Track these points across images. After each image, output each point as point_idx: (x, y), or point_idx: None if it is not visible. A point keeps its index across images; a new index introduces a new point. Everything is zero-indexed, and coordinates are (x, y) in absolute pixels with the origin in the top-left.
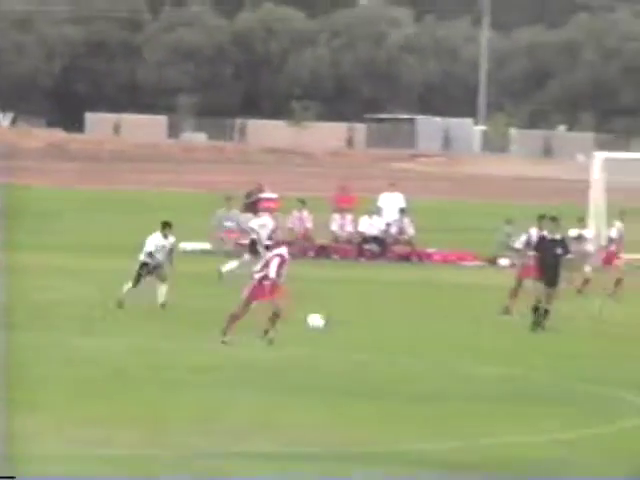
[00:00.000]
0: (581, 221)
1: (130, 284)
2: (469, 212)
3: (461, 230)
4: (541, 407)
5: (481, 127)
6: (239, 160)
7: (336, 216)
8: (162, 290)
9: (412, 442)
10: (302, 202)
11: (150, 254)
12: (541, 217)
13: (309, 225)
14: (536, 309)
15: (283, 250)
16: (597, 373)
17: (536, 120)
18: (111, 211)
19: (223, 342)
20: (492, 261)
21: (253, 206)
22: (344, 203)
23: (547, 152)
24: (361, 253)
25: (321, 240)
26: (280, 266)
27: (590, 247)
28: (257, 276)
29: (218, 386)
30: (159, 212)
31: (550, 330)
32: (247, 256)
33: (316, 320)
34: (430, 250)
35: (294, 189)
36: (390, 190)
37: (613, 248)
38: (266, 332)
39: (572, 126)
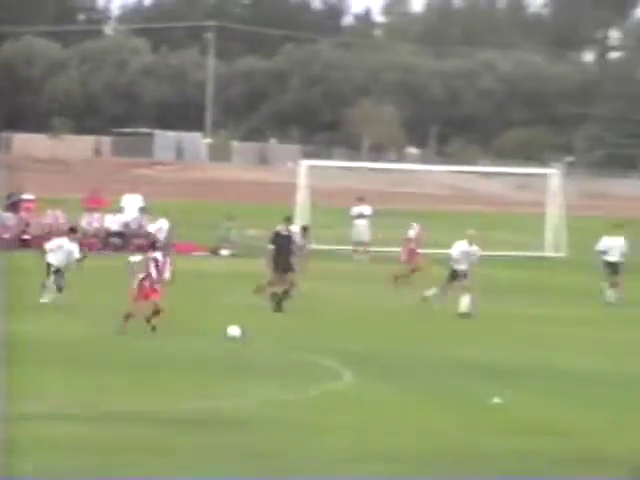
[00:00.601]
0: (230, 219)
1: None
2: (198, 210)
3: (191, 225)
4: (264, 374)
5: (208, 140)
6: (5, 168)
7: (86, 214)
8: (49, 290)
9: (146, 404)
10: (57, 202)
11: (60, 258)
12: (287, 218)
13: (62, 221)
14: (274, 294)
15: (158, 255)
16: (311, 343)
17: (253, 134)
18: None
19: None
20: (215, 251)
21: (14, 206)
22: (95, 204)
23: (262, 161)
24: (106, 245)
25: None
26: (156, 268)
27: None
28: (140, 277)
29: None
30: None
31: (283, 310)
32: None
33: (234, 331)
34: None
35: (51, 191)
36: (132, 192)
37: (412, 245)
38: (149, 320)
39: (282, 139)
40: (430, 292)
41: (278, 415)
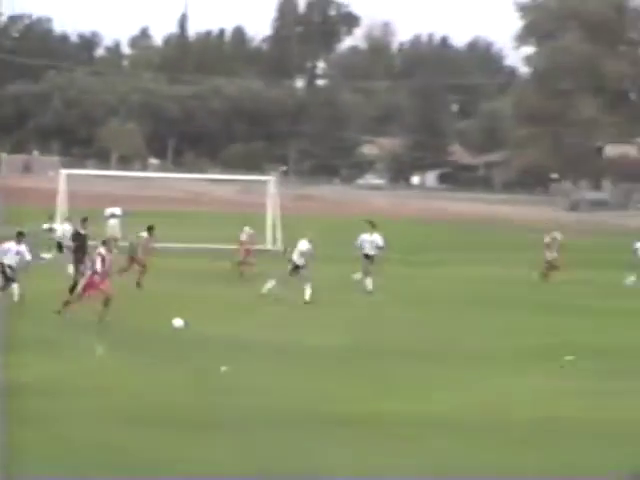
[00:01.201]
0: (51, 218)
1: None
2: None
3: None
4: (38, 349)
5: None
6: None
7: None
8: (15, 289)
9: None
10: None
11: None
12: (84, 219)
13: None
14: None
15: (102, 250)
16: (85, 324)
17: (19, 147)
18: None
19: (58, 312)
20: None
21: None
22: None
23: (27, 170)
24: None
25: None
26: (102, 262)
27: (59, 234)
28: (88, 272)
29: None
30: None
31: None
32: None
33: (178, 322)
34: None
35: None
36: None
37: (247, 246)
38: (101, 317)
39: (44, 152)
40: (269, 285)
41: (50, 381)
